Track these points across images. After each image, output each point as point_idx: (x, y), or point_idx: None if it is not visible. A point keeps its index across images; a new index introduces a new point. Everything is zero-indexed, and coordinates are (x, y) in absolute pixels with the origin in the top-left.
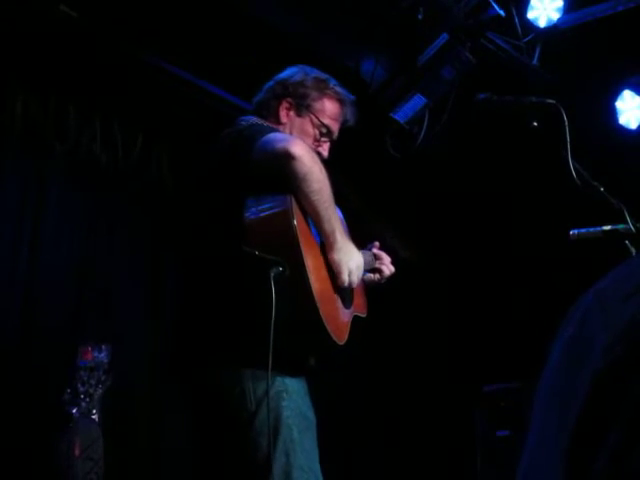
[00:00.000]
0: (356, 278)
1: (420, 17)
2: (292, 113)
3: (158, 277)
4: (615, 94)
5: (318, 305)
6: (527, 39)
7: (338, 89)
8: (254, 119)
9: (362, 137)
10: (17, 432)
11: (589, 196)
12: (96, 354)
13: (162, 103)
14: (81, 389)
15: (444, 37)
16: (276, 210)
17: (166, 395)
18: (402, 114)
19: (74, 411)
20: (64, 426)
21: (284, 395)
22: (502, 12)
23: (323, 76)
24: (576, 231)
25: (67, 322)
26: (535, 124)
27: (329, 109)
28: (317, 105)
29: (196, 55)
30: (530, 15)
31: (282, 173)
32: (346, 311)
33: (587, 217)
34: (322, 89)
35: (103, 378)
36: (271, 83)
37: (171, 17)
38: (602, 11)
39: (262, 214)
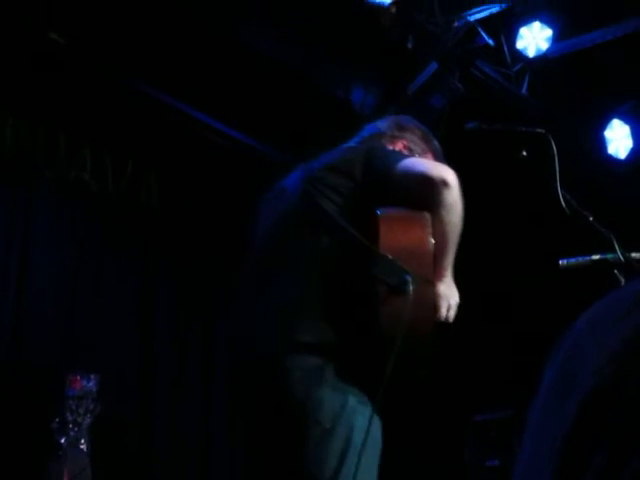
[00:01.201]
0: (452, 315)
1: (410, 46)
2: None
3: (147, 304)
4: (604, 123)
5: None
6: (516, 68)
7: (438, 149)
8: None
9: None
10: (6, 461)
11: (578, 225)
12: (84, 383)
13: (152, 130)
14: (69, 418)
15: (434, 66)
16: (415, 222)
17: (156, 425)
18: None
19: (62, 440)
20: (52, 455)
21: (363, 415)
22: (491, 41)
23: (429, 132)
24: (565, 260)
25: (55, 351)
26: (524, 153)
27: None
28: (424, 157)
29: (186, 83)
30: (519, 45)
31: (427, 197)
32: None
33: (576, 246)
34: (428, 143)
35: (91, 407)
36: (386, 123)
37: (161, 46)
38: (591, 40)
39: (399, 220)
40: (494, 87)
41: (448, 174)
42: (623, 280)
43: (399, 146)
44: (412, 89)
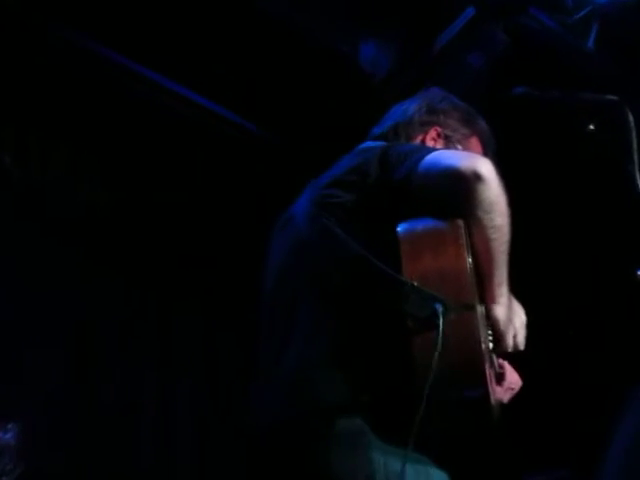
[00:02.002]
0: (522, 339)
1: None
2: (439, 146)
3: (81, 336)
4: None
5: (484, 367)
6: (580, 15)
7: (486, 131)
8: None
9: None
10: None
11: None
12: (0, 435)
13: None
14: None
15: (470, 12)
16: (444, 235)
17: None
18: None
19: None
20: None
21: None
22: None
23: (472, 110)
24: None
25: None
26: (591, 127)
27: (476, 151)
28: (465, 143)
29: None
30: None
31: (457, 197)
32: (498, 388)
33: None
34: (472, 125)
35: (9, 467)
36: (413, 105)
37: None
38: None
39: (424, 237)
40: (550, 40)
41: (482, 164)
42: None
43: (432, 135)
44: (441, 43)
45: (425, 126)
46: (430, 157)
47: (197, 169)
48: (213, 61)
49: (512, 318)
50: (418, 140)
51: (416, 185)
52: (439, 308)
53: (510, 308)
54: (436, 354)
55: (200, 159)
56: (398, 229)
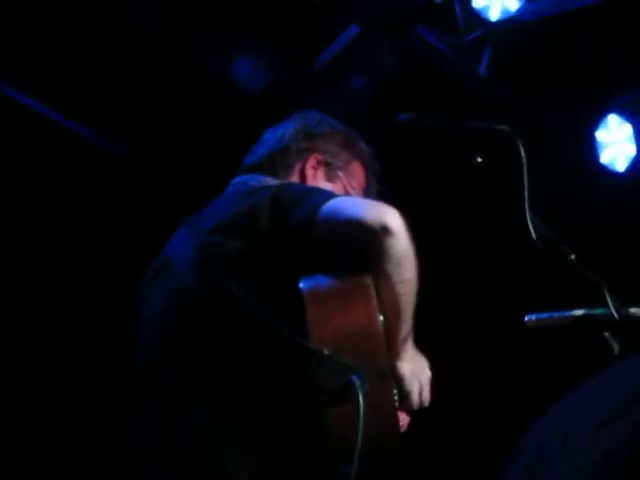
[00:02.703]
0: (428, 395)
1: (319, 0)
2: (320, 175)
3: None
4: (596, 120)
5: (399, 437)
6: (472, 36)
7: (367, 152)
8: (268, 179)
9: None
10: None
11: (553, 266)
12: None
13: None
14: None
15: (353, 30)
16: (353, 293)
17: None
18: None
19: None
20: None
21: None
22: None
23: (351, 132)
24: (534, 316)
25: None
26: (479, 160)
27: (358, 175)
28: (347, 168)
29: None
30: (477, 3)
31: (364, 251)
32: None
33: (550, 297)
34: (352, 148)
35: None
36: (288, 131)
37: None
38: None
39: (331, 295)
40: (440, 63)
41: (390, 216)
42: (617, 348)
43: (312, 163)
44: (321, 63)
45: (304, 153)
46: (332, 205)
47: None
48: (76, 76)
49: (418, 374)
50: (297, 169)
51: (316, 235)
52: (356, 380)
53: (415, 362)
54: (360, 431)
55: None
56: (301, 287)
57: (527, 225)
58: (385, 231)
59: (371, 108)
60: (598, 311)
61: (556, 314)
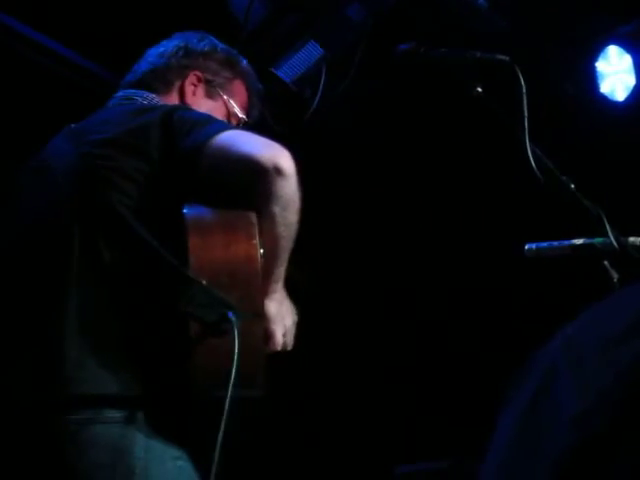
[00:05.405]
0: (291, 339)
1: None
2: (200, 92)
3: None
4: (596, 51)
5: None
6: None
7: (250, 72)
8: (153, 96)
9: None
10: None
11: (553, 196)
12: None
13: None
14: None
15: None
16: (238, 228)
17: None
18: (289, 69)
19: None
20: None
21: None
22: None
23: (233, 51)
24: (534, 245)
25: None
26: (479, 90)
27: (241, 95)
28: (229, 87)
29: None
30: None
31: (253, 188)
32: None
33: (550, 226)
34: (234, 67)
35: None
36: (169, 48)
37: None
38: None
39: (215, 227)
40: None
41: (282, 157)
42: (616, 276)
43: (191, 79)
44: None
45: (184, 70)
46: (225, 136)
47: None
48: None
49: (284, 316)
50: (176, 85)
51: (205, 164)
52: (232, 316)
53: (282, 305)
54: (234, 363)
55: None
56: (185, 213)
57: (527, 155)
58: (277, 172)
59: (370, 40)
60: (597, 240)
61: (556, 243)
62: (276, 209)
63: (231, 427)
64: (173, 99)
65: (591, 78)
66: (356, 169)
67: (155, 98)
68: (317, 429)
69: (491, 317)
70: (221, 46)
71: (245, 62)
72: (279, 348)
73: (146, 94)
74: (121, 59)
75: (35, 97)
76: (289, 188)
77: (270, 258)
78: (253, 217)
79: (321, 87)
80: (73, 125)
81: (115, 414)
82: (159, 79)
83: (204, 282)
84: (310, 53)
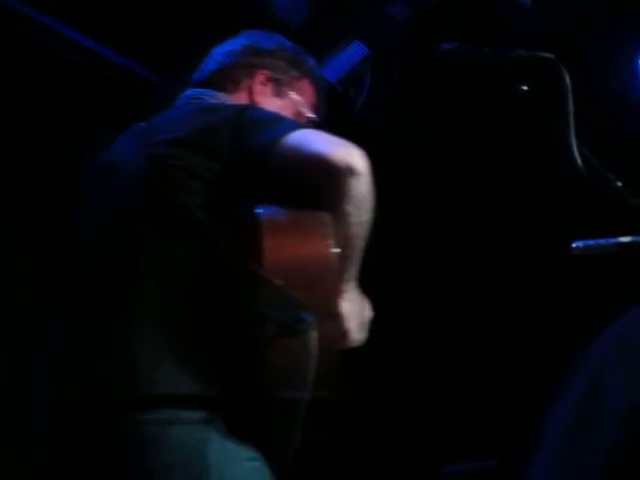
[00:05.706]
0: (365, 335)
1: None
2: (268, 91)
3: None
4: (638, 47)
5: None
6: None
7: (317, 71)
8: (221, 95)
9: None
10: None
11: (599, 194)
12: None
13: None
14: None
15: None
16: (311, 229)
17: None
18: (333, 69)
19: None
20: None
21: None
22: None
23: (300, 50)
24: (581, 244)
25: None
26: (524, 88)
27: (308, 93)
28: (297, 85)
29: None
30: None
31: (327, 189)
32: None
33: (596, 224)
34: (301, 66)
35: None
36: (237, 46)
37: None
38: None
39: (288, 227)
40: None
41: (355, 155)
42: None
43: (260, 79)
44: None
45: (252, 69)
46: (295, 136)
47: None
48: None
49: (359, 314)
50: (245, 85)
51: (275, 164)
52: (309, 319)
53: (356, 303)
54: (310, 369)
55: None
56: (259, 213)
57: (572, 153)
58: (350, 171)
59: (413, 39)
60: None
61: (602, 241)
62: (349, 208)
63: (304, 428)
64: (242, 98)
65: (635, 75)
66: (399, 169)
67: (223, 97)
68: (366, 429)
69: (539, 315)
70: (288, 44)
71: (312, 60)
72: (352, 345)
73: (214, 93)
74: (168, 61)
75: (74, 94)
76: (362, 187)
77: (344, 257)
78: (327, 217)
79: (367, 86)
80: (141, 123)
81: (190, 415)
82: (227, 78)
83: (279, 283)
84: (354, 53)
